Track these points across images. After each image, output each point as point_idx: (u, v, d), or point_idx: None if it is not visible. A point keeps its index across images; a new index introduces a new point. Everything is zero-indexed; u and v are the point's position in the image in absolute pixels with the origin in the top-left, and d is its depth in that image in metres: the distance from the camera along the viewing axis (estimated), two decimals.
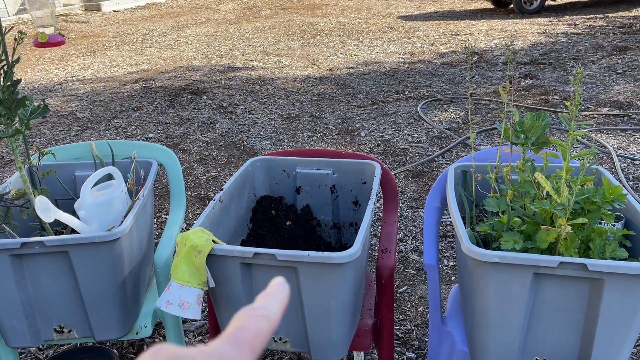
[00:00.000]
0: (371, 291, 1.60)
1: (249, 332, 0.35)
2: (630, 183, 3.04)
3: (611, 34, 6.68)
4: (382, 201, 1.73)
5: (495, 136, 3.83)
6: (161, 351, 0.33)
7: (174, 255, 1.25)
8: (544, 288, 1.11)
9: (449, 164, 2.80)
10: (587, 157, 1.15)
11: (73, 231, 1.49)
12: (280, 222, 1.63)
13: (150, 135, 4.21)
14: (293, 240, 1.61)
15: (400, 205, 2.95)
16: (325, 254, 1.13)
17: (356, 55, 6.52)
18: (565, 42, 6.43)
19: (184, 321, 2.10)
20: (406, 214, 2.88)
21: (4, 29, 1.46)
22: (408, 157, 3.55)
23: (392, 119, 4.26)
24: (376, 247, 2.51)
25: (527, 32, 7.17)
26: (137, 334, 1.55)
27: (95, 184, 1.52)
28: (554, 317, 1.13)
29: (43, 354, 2.02)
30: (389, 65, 5.94)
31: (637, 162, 3.29)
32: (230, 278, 1.21)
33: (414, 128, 4.05)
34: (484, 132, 3.90)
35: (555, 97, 4.57)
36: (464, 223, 1.31)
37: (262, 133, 4.13)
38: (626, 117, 4.02)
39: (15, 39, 1.38)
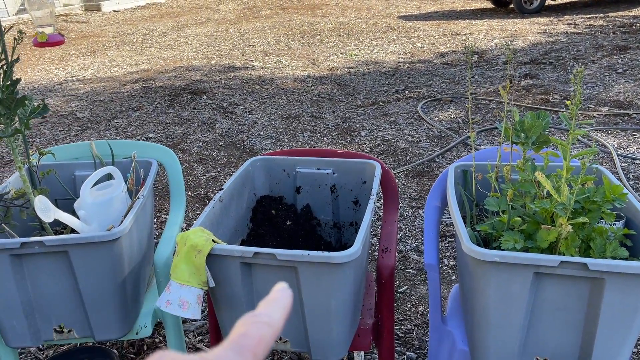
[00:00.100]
0: (371, 291, 1.60)
1: (251, 339, 0.35)
2: (631, 182, 3.03)
3: (611, 34, 6.67)
4: (382, 201, 1.73)
5: (495, 135, 3.83)
6: (164, 357, 0.33)
7: (173, 255, 1.25)
8: (545, 287, 1.11)
9: (449, 164, 2.79)
10: (587, 156, 1.14)
11: (73, 231, 1.49)
12: (280, 222, 1.63)
13: (150, 135, 4.21)
14: (293, 240, 1.60)
15: (401, 205, 2.95)
16: (325, 253, 1.13)
17: (356, 55, 6.52)
18: (566, 42, 6.43)
19: (184, 321, 2.10)
20: (406, 213, 2.88)
21: (3, 29, 1.45)
22: (408, 157, 3.54)
23: (392, 119, 4.26)
24: (376, 247, 2.51)
25: (527, 31, 7.17)
26: (137, 333, 1.54)
27: (95, 184, 1.52)
28: (555, 317, 1.13)
29: (43, 354, 2.02)
30: (389, 65, 5.94)
31: (638, 161, 3.29)
32: (230, 278, 1.21)
33: (414, 128, 4.05)
34: (484, 132, 3.90)
35: (556, 96, 4.57)
36: (464, 222, 1.31)
37: (262, 133, 4.13)
38: (626, 117, 4.02)
39: (14, 39, 1.38)
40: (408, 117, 4.29)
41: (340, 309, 1.21)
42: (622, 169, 3.18)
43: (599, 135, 3.71)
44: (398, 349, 1.97)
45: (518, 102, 4.47)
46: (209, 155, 3.78)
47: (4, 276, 1.33)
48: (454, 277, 2.34)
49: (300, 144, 3.87)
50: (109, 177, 1.59)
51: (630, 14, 7.88)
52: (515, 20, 8.05)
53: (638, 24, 7.11)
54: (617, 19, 7.60)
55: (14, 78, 1.35)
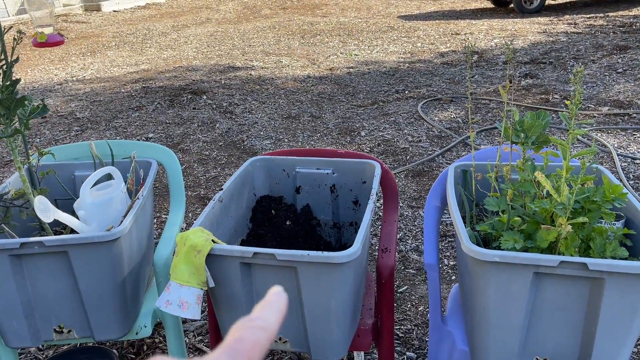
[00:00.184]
0: (371, 291, 1.60)
1: (246, 344, 0.35)
2: (631, 182, 3.03)
3: (611, 33, 6.67)
4: (382, 201, 1.73)
5: (495, 135, 3.83)
6: None
7: (173, 255, 1.25)
8: (544, 287, 1.10)
9: (449, 164, 2.79)
10: (587, 156, 1.14)
11: (72, 231, 1.49)
12: (280, 222, 1.63)
13: (150, 135, 4.21)
14: (293, 240, 1.60)
15: (401, 204, 2.95)
16: (325, 253, 1.13)
17: (356, 54, 6.52)
18: (566, 42, 6.43)
19: (184, 321, 2.10)
20: (406, 213, 2.88)
21: (3, 29, 1.45)
22: (408, 157, 3.54)
23: (392, 119, 4.26)
24: (376, 247, 2.51)
25: (527, 31, 7.16)
26: (136, 334, 1.54)
27: (95, 184, 1.52)
28: (554, 317, 1.13)
29: (43, 354, 2.02)
30: (389, 65, 5.93)
31: (638, 161, 3.28)
32: (230, 278, 1.21)
33: (414, 127, 4.05)
34: (484, 132, 3.90)
35: (556, 96, 4.57)
36: (464, 222, 1.31)
37: (262, 133, 4.13)
38: (626, 116, 4.02)
39: (14, 39, 1.38)
40: (408, 117, 4.29)
41: (340, 309, 1.21)
42: (622, 168, 3.18)
43: (599, 134, 3.71)
44: (398, 349, 1.97)
45: (518, 101, 4.47)
46: (209, 155, 3.78)
47: (4, 276, 1.33)
48: (454, 277, 2.34)
49: (300, 144, 3.87)
50: (108, 177, 1.59)
51: (630, 13, 7.88)
52: (515, 20, 8.05)
53: (638, 24, 7.11)
54: (617, 18, 7.59)
55: (13, 78, 1.35)
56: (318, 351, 1.26)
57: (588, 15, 7.96)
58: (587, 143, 3.60)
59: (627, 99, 4.36)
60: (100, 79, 5.96)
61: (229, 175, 3.43)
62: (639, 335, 1.12)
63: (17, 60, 1.36)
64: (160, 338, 2.06)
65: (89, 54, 7.32)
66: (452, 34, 7.37)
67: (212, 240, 1.20)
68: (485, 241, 1.31)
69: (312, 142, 3.89)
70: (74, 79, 6.05)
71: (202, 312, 2.11)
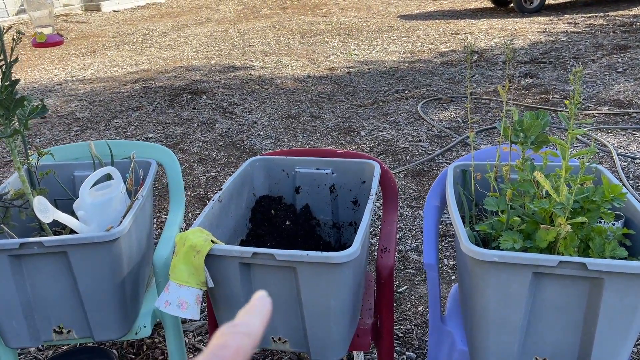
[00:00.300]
0: (371, 291, 1.60)
1: (229, 350, 0.35)
2: (631, 182, 3.03)
3: (611, 33, 6.67)
4: (381, 201, 1.73)
5: (495, 135, 3.83)
6: None
7: (173, 255, 1.25)
8: (544, 287, 1.10)
9: (449, 163, 2.79)
10: (586, 155, 1.14)
11: (72, 231, 1.49)
12: (280, 222, 1.63)
13: (150, 135, 4.21)
14: (292, 240, 1.60)
15: (400, 204, 2.95)
16: (325, 253, 1.13)
17: (356, 54, 6.52)
18: (566, 41, 6.43)
19: (184, 321, 2.10)
20: (406, 213, 2.88)
21: (2, 29, 1.45)
22: (408, 157, 3.54)
23: (392, 119, 4.26)
24: (376, 247, 2.51)
25: (527, 31, 7.16)
26: (136, 334, 1.54)
27: (95, 184, 1.52)
28: (554, 317, 1.13)
29: (42, 354, 2.02)
30: (389, 65, 5.93)
31: (638, 160, 3.28)
32: (229, 278, 1.21)
33: (414, 127, 4.05)
34: (484, 131, 3.90)
35: (555, 96, 4.57)
36: (464, 222, 1.31)
37: (261, 133, 4.13)
38: (626, 116, 4.02)
39: (13, 39, 1.38)
40: (408, 116, 4.28)
41: (340, 309, 1.21)
42: (622, 168, 3.18)
43: (599, 134, 3.71)
44: (397, 349, 1.97)
45: (518, 101, 4.47)
46: (209, 155, 3.78)
47: (3, 277, 1.33)
48: (453, 277, 2.34)
49: (300, 144, 3.87)
50: (108, 177, 1.59)
51: (631, 13, 7.87)
52: (515, 19, 8.05)
53: (638, 23, 7.11)
54: (617, 18, 7.59)
55: (13, 78, 1.35)
56: (317, 351, 1.26)
57: (588, 15, 7.95)
58: (587, 143, 3.60)
59: (627, 99, 4.36)
60: (100, 79, 5.96)
61: (228, 175, 3.43)
62: (638, 335, 1.12)
63: (16, 60, 1.36)
64: (160, 338, 2.06)
65: (88, 54, 7.32)
66: (452, 33, 7.37)
67: (212, 241, 1.20)
68: (485, 241, 1.31)
69: (312, 142, 3.89)
70: (74, 79, 6.05)
71: (202, 312, 2.11)
